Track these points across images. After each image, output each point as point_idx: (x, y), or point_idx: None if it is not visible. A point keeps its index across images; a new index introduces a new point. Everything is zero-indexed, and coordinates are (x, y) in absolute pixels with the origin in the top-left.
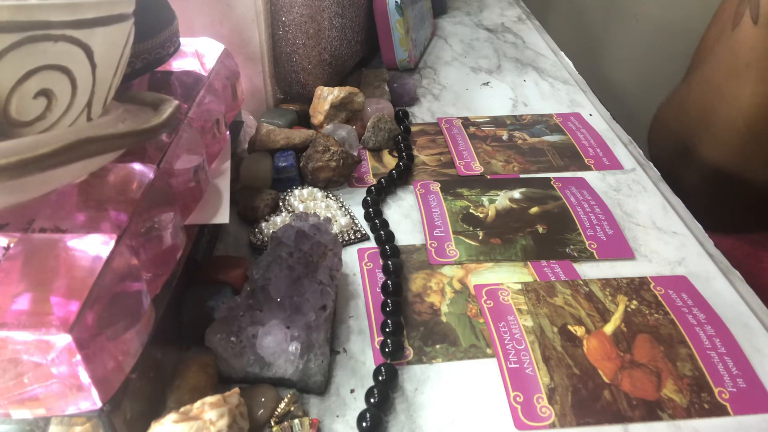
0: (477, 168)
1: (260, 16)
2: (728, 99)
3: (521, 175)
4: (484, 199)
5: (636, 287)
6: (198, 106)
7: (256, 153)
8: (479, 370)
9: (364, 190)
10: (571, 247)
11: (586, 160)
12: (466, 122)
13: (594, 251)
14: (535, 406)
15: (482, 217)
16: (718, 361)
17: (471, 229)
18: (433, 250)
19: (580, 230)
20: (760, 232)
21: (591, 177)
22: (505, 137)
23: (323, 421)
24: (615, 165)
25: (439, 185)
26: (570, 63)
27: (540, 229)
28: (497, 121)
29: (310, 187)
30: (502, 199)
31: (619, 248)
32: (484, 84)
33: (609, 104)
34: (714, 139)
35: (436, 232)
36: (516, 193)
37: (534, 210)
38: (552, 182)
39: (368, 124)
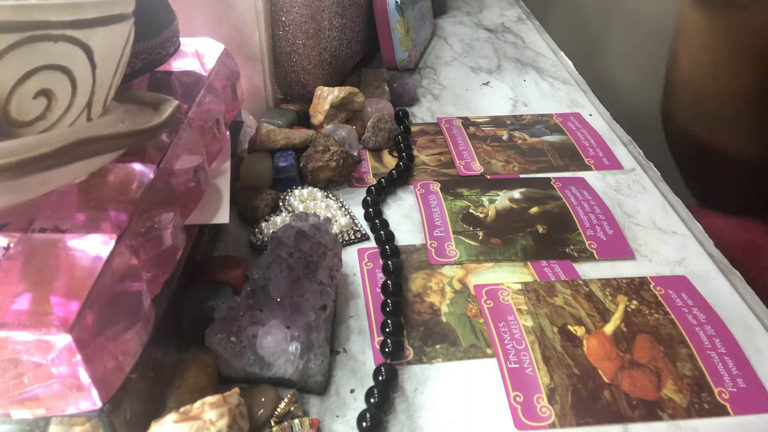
0: (477, 168)
1: (260, 16)
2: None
3: (521, 175)
4: (484, 199)
5: (636, 287)
6: (198, 106)
7: (256, 153)
8: (479, 370)
9: (364, 190)
10: (571, 247)
11: (586, 160)
12: (466, 122)
13: (594, 251)
14: (535, 406)
15: (482, 217)
16: (718, 361)
17: (471, 229)
18: (433, 250)
19: (580, 230)
20: (758, 217)
21: (591, 177)
22: (505, 137)
23: (323, 421)
24: (615, 165)
25: (439, 185)
26: (570, 63)
27: (540, 229)
28: (497, 121)
29: (310, 187)
30: (502, 199)
31: (619, 248)
32: (484, 84)
33: (609, 104)
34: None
35: (436, 232)
36: (516, 193)
37: (534, 210)
38: (552, 182)
39: (368, 124)
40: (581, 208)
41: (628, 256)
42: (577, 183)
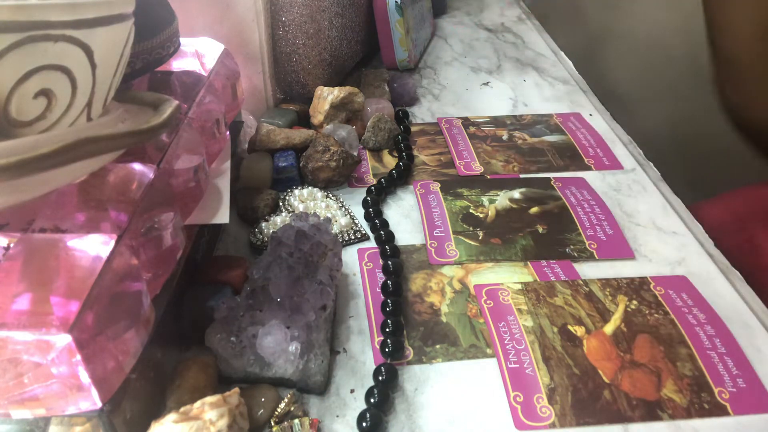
0: (477, 168)
1: (260, 16)
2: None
3: (521, 175)
4: (484, 199)
5: (636, 287)
6: (198, 106)
7: (256, 153)
8: (479, 370)
9: (364, 190)
10: (571, 247)
11: (586, 160)
12: (466, 122)
13: (594, 251)
14: (535, 406)
15: (482, 217)
16: (718, 361)
17: (471, 229)
18: (433, 250)
19: (580, 230)
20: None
21: (591, 177)
22: (505, 137)
23: (323, 421)
24: (615, 165)
25: (439, 185)
26: (570, 63)
27: (540, 229)
28: (497, 121)
29: (310, 187)
30: (502, 199)
31: (619, 248)
32: (484, 84)
33: (609, 104)
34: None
35: (436, 232)
36: (516, 193)
37: (534, 210)
38: (552, 182)
39: (368, 124)
40: (581, 208)
41: (627, 256)
42: (577, 183)
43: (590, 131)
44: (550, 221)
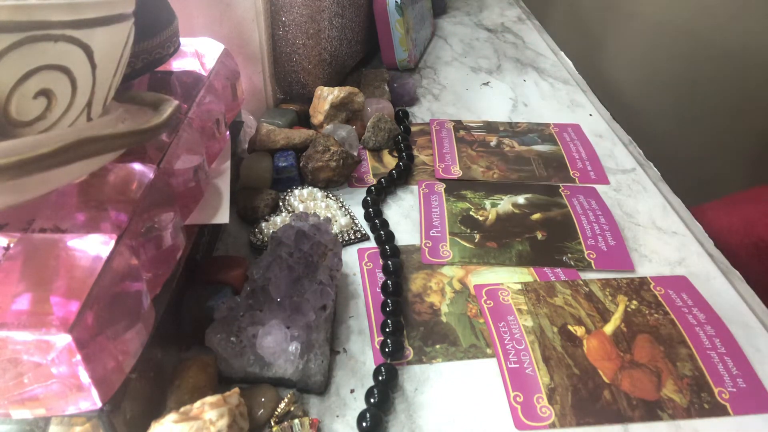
0: (456, 172)
1: (260, 16)
2: None
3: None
4: (487, 203)
5: (636, 287)
6: (198, 106)
7: (256, 153)
8: (479, 370)
9: (364, 190)
10: (569, 255)
11: (571, 173)
12: (458, 125)
13: (592, 261)
14: (535, 406)
15: (482, 220)
16: (718, 361)
17: (468, 231)
18: (427, 249)
19: (581, 239)
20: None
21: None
22: (493, 143)
23: (323, 421)
24: (601, 180)
25: (444, 186)
26: (570, 63)
27: (539, 236)
28: (490, 127)
29: (310, 187)
30: (505, 204)
31: (620, 260)
32: (484, 84)
33: (609, 104)
34: None
35: (433, 232)
36: (521, 199)
37: (536, 216)
38: (560, 190)
39: (368, 124)
40: (585, 217)
41: (627, 268)
42: (586, 192)
43: (584, 144)
44: (550, 228)
